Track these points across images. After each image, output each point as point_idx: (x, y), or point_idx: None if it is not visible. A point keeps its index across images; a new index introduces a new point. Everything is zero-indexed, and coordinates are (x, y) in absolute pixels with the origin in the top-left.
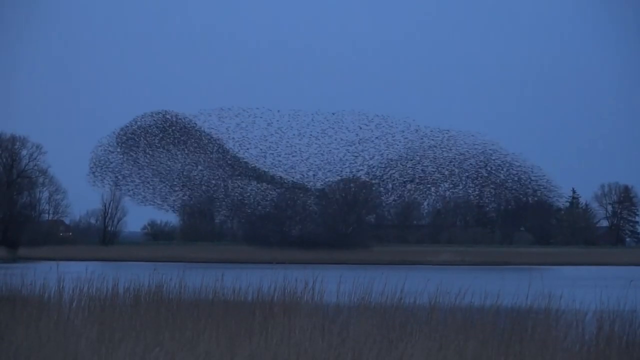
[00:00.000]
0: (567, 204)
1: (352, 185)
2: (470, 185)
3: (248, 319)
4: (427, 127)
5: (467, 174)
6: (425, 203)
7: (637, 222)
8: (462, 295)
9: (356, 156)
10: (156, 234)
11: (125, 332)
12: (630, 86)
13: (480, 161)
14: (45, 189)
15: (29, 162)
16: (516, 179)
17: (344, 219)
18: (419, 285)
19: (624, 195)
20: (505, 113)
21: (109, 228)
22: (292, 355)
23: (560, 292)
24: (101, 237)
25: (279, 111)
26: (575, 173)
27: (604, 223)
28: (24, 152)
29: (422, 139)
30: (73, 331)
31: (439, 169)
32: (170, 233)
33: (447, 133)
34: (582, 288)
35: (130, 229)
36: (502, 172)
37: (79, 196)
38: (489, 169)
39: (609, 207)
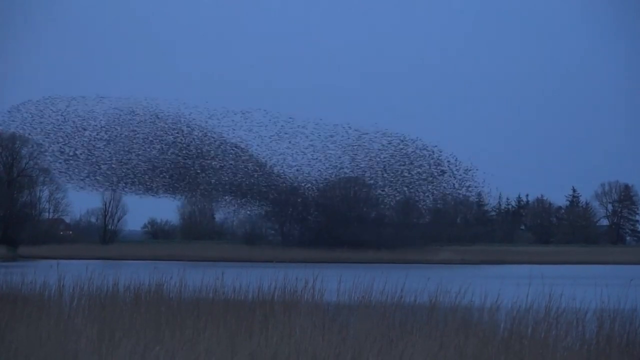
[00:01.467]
0: (568, 203)
1: (352, 183)
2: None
3: (248, 318)
4: (337, 125)
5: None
6: (425, 202)
7: (637, 220)
8: (462, 294)
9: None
10: (156, 233)
11: (126, 331)
12: (631, 84)
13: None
14: (45, 187)
15: (29, 160)
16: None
17: (344, 218)
18: (419, 284)
19: (625, 194)
20: (504, 112)
21: (109, 227)
22: (292, 354)
23: (560, 291)
24: (101, 236)
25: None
26: (575, 171)
27: (604, 222)
28: (24, 150)
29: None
30: (73, 330)
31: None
32: (171, 232)
33: (365, 133)
34: (582, 287)
35: (131, 228)
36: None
37: (79, 195)
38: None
39: (609, 206)
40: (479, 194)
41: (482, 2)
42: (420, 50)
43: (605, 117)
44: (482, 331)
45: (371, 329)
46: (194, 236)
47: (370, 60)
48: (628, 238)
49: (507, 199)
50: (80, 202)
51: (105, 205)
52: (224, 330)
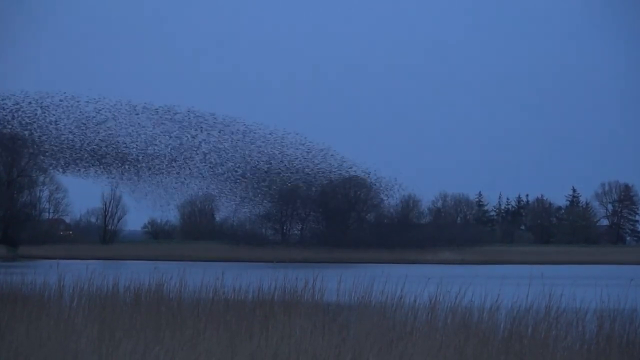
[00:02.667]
0: (568, 203)
1: (352, 184)
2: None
3: (248, 318)
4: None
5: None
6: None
7: (637, 220)
8: (462, 295)
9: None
10: (156, 233)
11: (126, 331)
12: (631, 83)
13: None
14: (45, 187)
15: (29, 160)
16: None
17: (344, 218)
18: (419, 285)
19: (625, 194)
20: (504, 112)
21: (109, 227)
22: (292, 354)
23: (560, 291)
24: (101, 236)
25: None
26: (575, 171)
27: (604, 222)
28: (24, 150)
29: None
30: (73, 330)
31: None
32: (171, 231)
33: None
34: (582, 287)
35: (131, 228)
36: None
37: (80, 195)
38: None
39: (609, 206)
40: (480, 194)
41: (483, 2)
42: (421, 49)
43: (605, 116)
44: (482, 331)
45: (371, 329)
46: (194, 236)
47: (364, 60)
48: (628, 238)
49: (507, 199)
50: (80, 202)
51: (106, 205)
52: (224, 330)
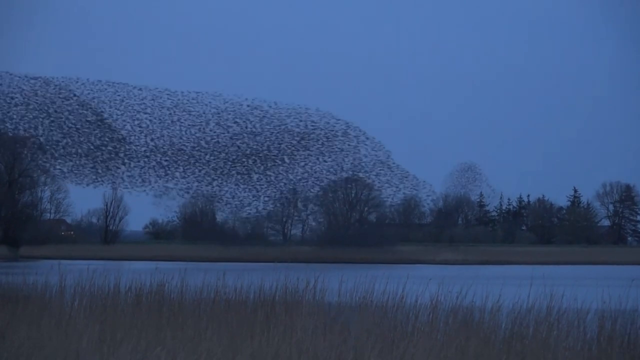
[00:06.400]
0: (569, 203)
1: (353, 184)
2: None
3: (250, 318)
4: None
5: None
6: (428, 201)
7: (638, 221)
8: (463, 295)
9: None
10: (158, 233)
11: (127, 331)
12: (631, 83)
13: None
14: (46, 188)
15: (30, 161)
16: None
17: (346, 218)
18: (420, 285)
19: (626, 194)
20: (504, 113)
21: (111, 227)
22: (293, 355)
23: (561, 292)
24: (103, 236)
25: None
26: (576, 172)
27: (606, 222)
28: (26, 151)
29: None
30: (75, 330)
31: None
32: (172, 232)
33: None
34: (583, 287)
35: (132, 228)
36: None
37: (81, 195)
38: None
39: (611, 206)
40: (481, 194)
41: (488, 4)
42: (427, 50)
43: (606, 117)
44: (483, 331)
45: (372, 329)
46: (195, 237)
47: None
48: (629, 238)
49: (509, 199)
50: (82, 202)
51: (107, 205)
52: (225, 330)
